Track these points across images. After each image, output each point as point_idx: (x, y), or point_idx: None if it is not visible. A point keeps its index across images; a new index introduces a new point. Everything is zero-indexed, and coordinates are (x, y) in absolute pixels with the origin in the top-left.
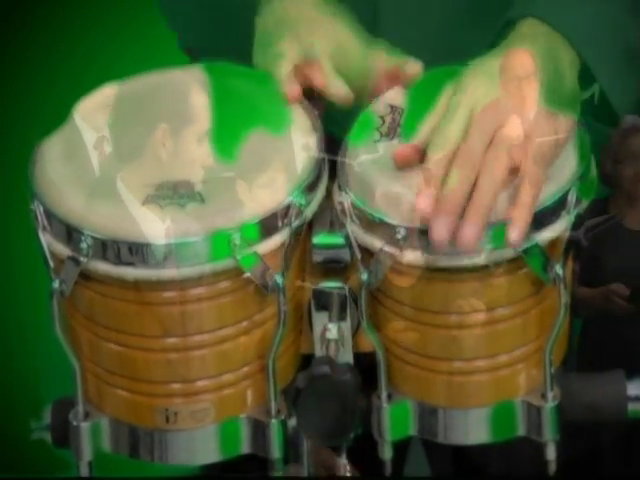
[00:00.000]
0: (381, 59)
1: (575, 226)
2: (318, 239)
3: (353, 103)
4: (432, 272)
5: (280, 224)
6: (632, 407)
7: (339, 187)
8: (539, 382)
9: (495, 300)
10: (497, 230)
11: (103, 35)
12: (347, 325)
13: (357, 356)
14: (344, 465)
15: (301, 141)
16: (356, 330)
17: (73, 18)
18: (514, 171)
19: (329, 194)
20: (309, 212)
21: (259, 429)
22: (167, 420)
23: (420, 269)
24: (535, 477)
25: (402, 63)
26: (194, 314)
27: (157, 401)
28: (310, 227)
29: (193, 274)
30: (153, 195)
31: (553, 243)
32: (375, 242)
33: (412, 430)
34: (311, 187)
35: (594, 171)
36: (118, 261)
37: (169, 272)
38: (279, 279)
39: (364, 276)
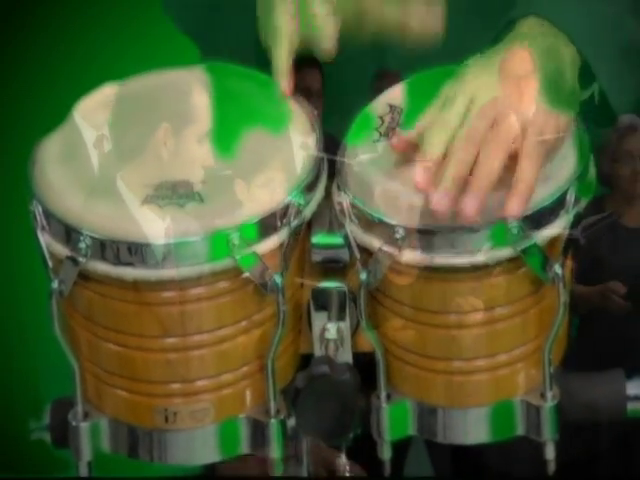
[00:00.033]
0: None
1: (573, 225)
2: (317, 239)
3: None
4: (431, 272)
5: (279, 224)
6: (631, 406)
7: (338, 187)
8: (538, 381)
9: (494, 299)
10: (496, 229)
11: (103, 35)
12: (346, 325)
13: (356, 356)
14: (344, 465)
15: (300, 140)
16: (355, 330)
17: (73, 18)
18: (513, 158)
19: (328, 194)
20: (308, 212)
21: (258, 429)
22: (166, 420)
23: (419, 269)
24: (535, 477)
25: None
26: (193, 314)
27: (156, 401)
28: (309, 227)
29: (192, 274)
30: (152, 195)
31: (552, 242)
32: (374, 242)
33: (411, 430)
34: (310, 187)
35: (593, 170)
36: (117, 261)
37: (168, 272)
38: (278, 279)
39: (363, 276)
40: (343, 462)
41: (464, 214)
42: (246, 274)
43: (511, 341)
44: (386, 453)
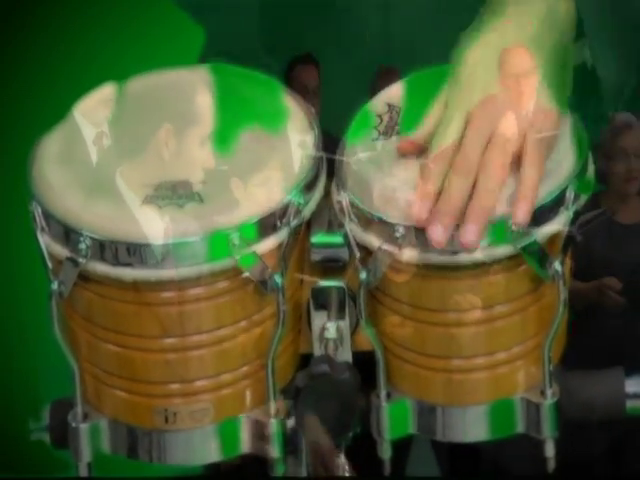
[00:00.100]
0: None
1: (572, 222)
2: (316, 238)
3: None
4: (430, 270)
5: (279, 224)
6: (630, 404)
7: (337, 186)
8: (538, 379)
9: (493, 297)
10: (495, 227)
11: (103, 35)
12: (346, 324)
13: (356, 355)
14: (343, 465)
15: (298, 139)
16: (355, 329)
17: (73, 18)
18: (515, 161)
19: (327, 193)
20: (307, 211)
21: (258, 429)
22: (166, 420)
23: (418, 267)
24: (535, 477)
25: None
26: (192, 314)
27: (156, 401)
28: (308, 226)
29: (191, 274)
30: (152, 195)
31: (552, 240)
32: (373, 241)
33: (411, 429)
34: (309, 186)
35: (592, 167)
36: (116, 262)
37: (167, 272)
38: (278, 279)
39: (363, 275)
40: (342, 462)
41: (464, 245)
42: (246, 274)
43: (510, 339)
44: (386, 452)
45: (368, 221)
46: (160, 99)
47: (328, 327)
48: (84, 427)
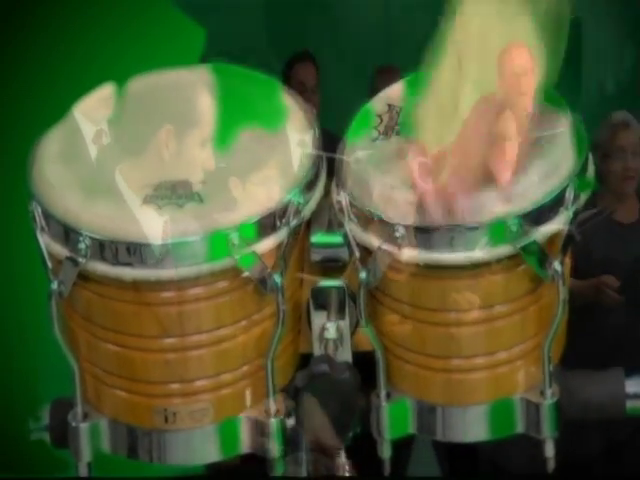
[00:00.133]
0: None
1: (572, 222)
2: (316, 238)
3: None
4: (430, 270)
5: (278, 223)
6: (630, 404)
7: (337, 185)
8: (538, 379)
9: (493, 297)
10: (494, 226)
11: (103, 35)
12: (346, 324)
13: (356, 355)
14: (343, 465)
15: (297, 138)
16: (355, 329)
17: (73, 18)
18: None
19: (327, 192)
20: (307, 211)
21: (258, 428)
22: (166, 420)
23: (418, 266)
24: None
25: None
26: (192, 314)
27: (156, 401)
28: (308, 226)
29: (191, 274)
30: (152, 195)
31: (551, 239)
32: (373, 240)
33: (411, 428)
34: (309, 186)
35: (591, 167)
36: (116, 261)
37: (167, 272)
38: (278, 278)
39: (363, 275)
40: (343, 461)
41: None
42: (246, 274)
43: (510, 339)
44: (386, 452)
45: (368, 221)
46: (160, 99)
47: (328, 327)
48: (84, 427)
